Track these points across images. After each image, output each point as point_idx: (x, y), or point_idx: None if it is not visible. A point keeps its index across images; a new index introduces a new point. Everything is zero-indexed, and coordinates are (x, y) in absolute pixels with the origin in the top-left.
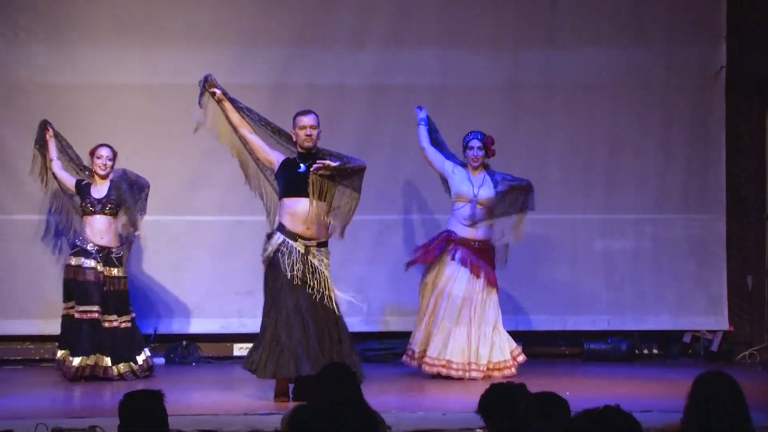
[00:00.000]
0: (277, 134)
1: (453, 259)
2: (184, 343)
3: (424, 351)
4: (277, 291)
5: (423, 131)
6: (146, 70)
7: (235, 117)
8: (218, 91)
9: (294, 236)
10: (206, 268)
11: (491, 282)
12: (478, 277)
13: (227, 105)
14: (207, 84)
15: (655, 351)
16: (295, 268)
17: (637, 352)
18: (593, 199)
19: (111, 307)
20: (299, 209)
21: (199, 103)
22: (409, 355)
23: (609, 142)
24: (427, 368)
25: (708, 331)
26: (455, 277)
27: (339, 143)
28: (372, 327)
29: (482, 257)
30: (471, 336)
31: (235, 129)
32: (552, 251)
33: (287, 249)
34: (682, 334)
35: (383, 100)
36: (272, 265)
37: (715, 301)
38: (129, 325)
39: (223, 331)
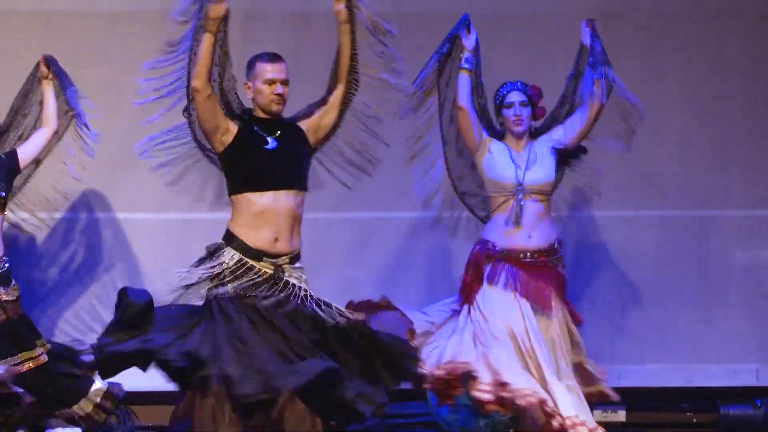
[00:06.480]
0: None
1: (495, 283)
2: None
3: None
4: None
5: (465, 80)
6: None
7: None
8: None
9: (257, 254)
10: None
11: (554, 308)
12: (541, 306)
13: None
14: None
15: None
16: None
17: None
18: (729, 185)
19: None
20: (269, 208)
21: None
22: None
23: (749, 98)
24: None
25: None
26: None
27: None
28: None
29: (541, 276)
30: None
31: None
32: (666, 265)
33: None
34: None
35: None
36: (215, 306)
37: None
38: (45, 359)
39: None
